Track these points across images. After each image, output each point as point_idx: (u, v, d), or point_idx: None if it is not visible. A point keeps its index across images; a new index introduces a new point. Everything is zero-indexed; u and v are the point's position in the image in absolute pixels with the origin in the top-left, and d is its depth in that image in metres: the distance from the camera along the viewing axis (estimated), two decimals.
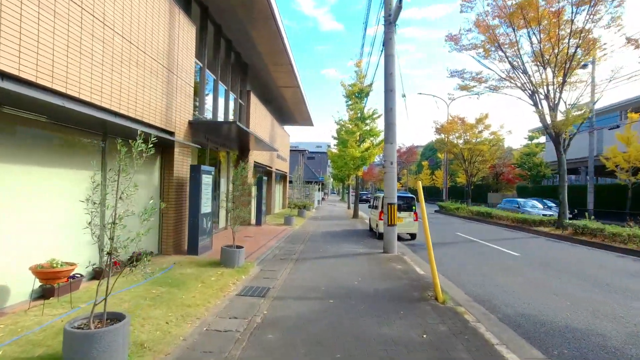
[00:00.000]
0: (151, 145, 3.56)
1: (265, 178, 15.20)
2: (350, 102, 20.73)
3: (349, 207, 30.82)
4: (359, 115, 20.16)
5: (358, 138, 20.77)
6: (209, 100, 11.37)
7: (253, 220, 14.95)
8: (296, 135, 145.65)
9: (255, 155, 15.79)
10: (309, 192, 31.22)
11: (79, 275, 5.11)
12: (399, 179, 65.52)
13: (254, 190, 15.02)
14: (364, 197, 41.38)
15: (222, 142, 11.95)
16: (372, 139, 20.41)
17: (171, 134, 7.84)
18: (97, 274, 5.64)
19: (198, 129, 9.44)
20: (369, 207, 15.73)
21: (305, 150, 46.36)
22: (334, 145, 22.01)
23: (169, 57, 7.58)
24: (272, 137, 19.24)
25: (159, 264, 6.82)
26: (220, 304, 5.02)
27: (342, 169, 24.11)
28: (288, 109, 22.74)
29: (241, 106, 14.43)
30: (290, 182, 35.62)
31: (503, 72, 15.93)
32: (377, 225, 13.25)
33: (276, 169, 21.15)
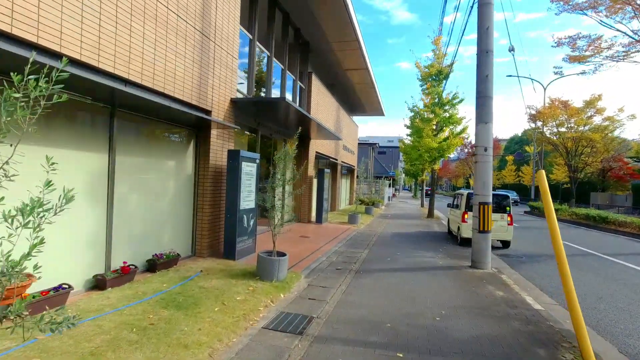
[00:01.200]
0: None
1: (327, 171, 13.61)
2: (426, 86, 18.17)
3: (422, 205, 27.99)
4: (437, 100, 17.52)
5: (435, 127, 18.15)
6: (262, 79, 10.04)
7: (313, 218, 13.46)
8: (366, 129, 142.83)
9: (318, 145, 14.26)
10: (378, 188, 29.04)
11: (66, 287, 3.94)
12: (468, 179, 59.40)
13: (315, 183, 13.50)
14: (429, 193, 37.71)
15: (276, 127, 10.57)
16: (451, 127, 17.62)
17: (206, 112, 6.54)
18: (100, 283, 4.48)
19: (243, 110, 8.10)
20: (448, 206, 13.24)
21: (375, 144, 43.96)
22: (407, 135, 19.61)
23: (203, 18, 6.25)
24: (338, 126, 17.56)
25: (184, 271, 5.54)
26: (234, 344, 3.45)
27: (415, 163, 21.57)
28: (355, 95, 20.85)
29: (301, 90, 12.96)
30: (358, 177, 33.76)
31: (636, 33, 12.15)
32: (458, 229, 10.83)
33: (342, 162, 19.47)
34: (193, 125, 6.58)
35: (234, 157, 6.54)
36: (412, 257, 8.20)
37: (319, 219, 13.05)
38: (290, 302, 4.75)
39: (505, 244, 10.47)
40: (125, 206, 5.12)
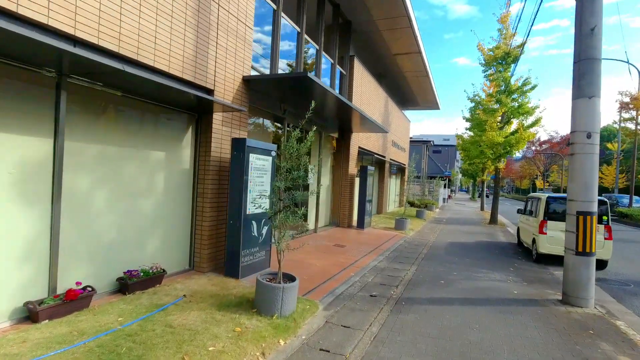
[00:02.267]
0: None
1: (371, 169, 11.89)
2: (489, 72, 15.65)
3: (482, 209, 24.99)
4: (503, 87, 14.96)
5: (500, 119, 15.56)
6: (287, 59, 8.63)
7: (355, 222, 11.81)
8: (420, 127, 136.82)
9: (361, 139, 12.57)
10: (432, 189, 26.51)
11: None
12: (546, 177, 53.52)
13: (357, 183, 11.85)
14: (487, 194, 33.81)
15: (310, 116, 9.10)
16: (521, 118, 14.93)
17: (207, 91, 5.23)
18: (31, 314, 3.28)
19: (263, 93, 6.72)
20: (519, 212, 10.89)
21: (429, 142, 40.94)
22: (466, 130, 17.14)
23: None
24: (386, 120, 15.70)
25: (163, 294, 4.23)
26: None
27: (474, 161, 19.02)
28: (406, 86, 18.76)
29: (342, 76, 11.37)
30: (409, 176, 31.40)
31: None
32: (534, 242, 8.61)
33: (391, 159, 17.54)
34: (192, 108, 5.31)
35: (238, 148, 5.15)
36: (475, 280, 6.26)
37: (360, 224, 11.37)
38: (291, 355, 3.22)
39: (602, 264, 8.03)
40: (83, 207, 3.92)
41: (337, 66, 10.81)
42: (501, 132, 14.85)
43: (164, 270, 4.61)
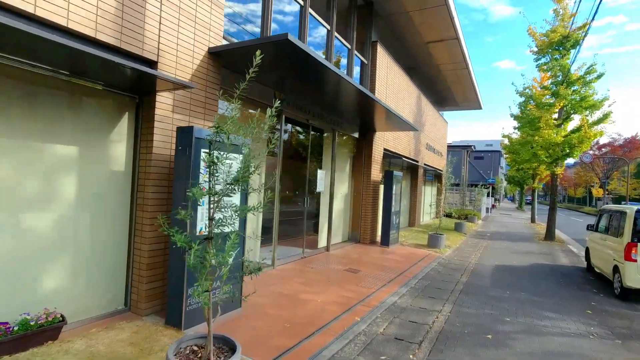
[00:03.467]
0: None
1: (398, 174, 10.02)
2: (543, 61, 13.29)
3: (533, 221, 21.99)
4: (560, 77, 12.56)
5: (557, 114, 13.11)
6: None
7: (379, 237, 9.96)
8: (458, 133, 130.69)
9: (387, 140, 10.76)
10: (473, 197, 23.85)
11: None
12: (605, 184, 47.96)
13: (381, 190, 10.04)
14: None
15: (317, 111, 7.48)
16: (585, 113, 12.40)
17: (147, 63, 3.77)
18: None
19: (241, 71, 5.20)
20: (589, 228, 8.58)
21: (470, 146, 37.82)
22: (514, 129, 14.71)
23: None
24: (418, 119, 13.76)
25: (52, 358, 2.76)
26: None
27: (524, 166, 16.52)
28: (443, 81, 16.65)
29: (362, 65, 9.69)
30: (456, 185, 28.90)
31: None
32: (616, 270, 6.45)
33: (425, 165, 15.47)
34: (131, 89, 3.87)
35: (184, 140, 3.61)
36: (539, 334, 4.29)
37: (385, 240, 9.51)
38: None
39: None
40: None
41: (356, 53, 9.13)
42: (559, 130, 12.42)
43: (62, 319, 3.13)
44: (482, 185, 21.08)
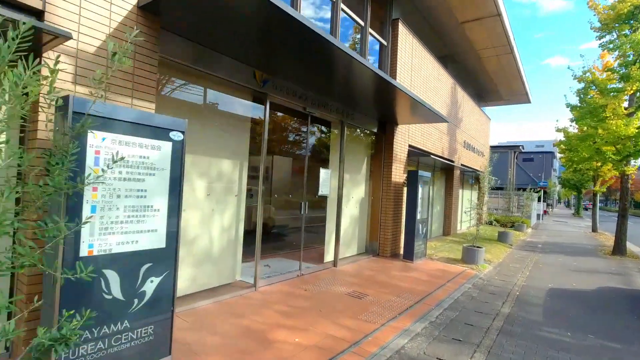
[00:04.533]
0: None
1: (425, 175, 8.41)
2: (608, 38, 11.07)
3: (594, 230, 19.07)
4: (631, 56, 10.31)
5: (628, 102, 10.83)
6: None
7: (402, 249, 8.40)
8: (502, 133, 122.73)
9: (414, 135, 9.21)
10: (522, 202, 21.24)
11: None
12: None
13: (404, 194, 8.50)
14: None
15: (319, 96, 6.17)
16: None
17: (29, 12, 2.68)
18: None
19: (203, 42, 4.03)
20: None
21: (518, 147, 34.52)
22: (571, 121, 12.45)
23: None
24: (453, 113, 12.03)
25: None
26: None
27: (583, 165, 14.15)
28: (483, 70, 14.67)
29: (382, 47, 8.26)
30: (500, 188, 26.36)
31: None
32: None
33: (462, 165, 13.59)
34: None
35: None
36: None
37: (408, 253, 7.94)
38: None
39: None
40: None
41: (371, 31, 7.72)
42: (631, 119, 10.15)
43: None
44: (531, 189, 18.58)
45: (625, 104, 10.74)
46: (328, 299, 5.01)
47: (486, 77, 15.23)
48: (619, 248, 11.08)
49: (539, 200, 26.28)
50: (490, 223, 19.07)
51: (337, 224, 6.90)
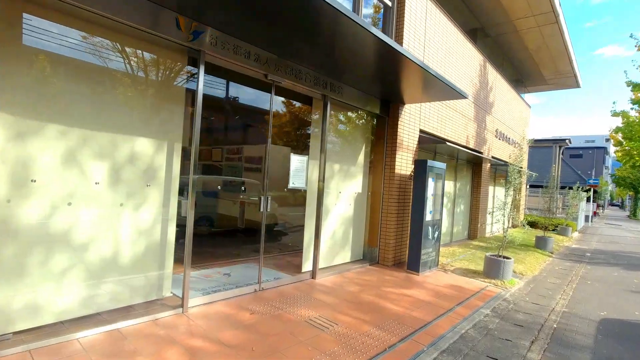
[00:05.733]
0: None
1: (439, 166, 6.79)
2: None
3: None
4: None
5: None
6: None
7: (407, 256, 6.83)
8: (549, 124, 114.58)
9: (427, 118, 7.60)
10: (567, 202, 18.65)
11: None
12: None
13: (412, 188, 6.93)
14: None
15: (289, 60, 4.78)
16: None
17: None
18: None
19: None
20: None
21: (565, 140, 31.09)
22: (633, 103, 10.18)
23: None
24: (484, 96, 10.22)
25: None
26: None
27: None
28: (522, 47, 12.57)
29: (386, 9, 6.71)
30: (540, 186, 23.68)
31: None
32: None
33: (493, 157, 11.66)
34: None
35: None
36: None
37: (413, 263, 6.37)
38: None
39: None
40: None
41: None
42: None
43: None
44: (579, 188, 16.07)
45: None
46: (276, 329, 3.65)
47: (525, 54, 13.10)
48: None
49: (588, 200, 23.32)
50: (532, 225, 16.84)
51: (318, 225, 5.50)
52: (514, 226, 16.20)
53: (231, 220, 7.89)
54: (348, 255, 6.55)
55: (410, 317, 4.30)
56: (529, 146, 20.17)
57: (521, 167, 7.12)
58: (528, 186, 23.49)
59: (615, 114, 9.77)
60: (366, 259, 6.88)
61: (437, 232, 6.75)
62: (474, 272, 6.78)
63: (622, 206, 64.99)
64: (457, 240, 10.37)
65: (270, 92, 4.77)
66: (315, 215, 5.50)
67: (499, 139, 12.21)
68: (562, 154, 34.51)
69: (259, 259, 4.80)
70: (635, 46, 9.21)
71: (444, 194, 6.89)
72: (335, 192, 6.10)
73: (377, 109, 6.64)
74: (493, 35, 11.53)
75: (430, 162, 6.36)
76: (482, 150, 10.70)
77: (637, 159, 13.22)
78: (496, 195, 15.08)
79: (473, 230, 11.06)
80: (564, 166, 35.53)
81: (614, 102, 10.26)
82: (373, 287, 5.39)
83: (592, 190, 28.20)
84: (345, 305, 4.52)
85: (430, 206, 6.68)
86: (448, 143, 7.30)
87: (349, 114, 6.51)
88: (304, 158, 5.22)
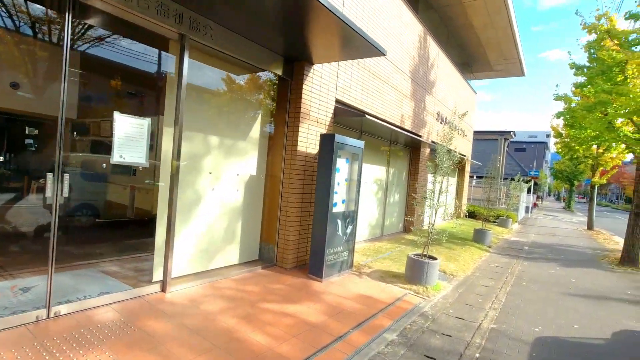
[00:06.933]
0: None
1: (354, 144, 5.45)
2: None
3: (590, 227, 16.43)
4: None
5: None
6: None
7: (308, 256, 5.42)
8: (494, 119, 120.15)
9: (346, 85, 6.19)
10: (509, 194, 18.48)
11: None
12: None
13: (323, 175, 5.45)
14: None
15: None
16: None
17: None
18: None
19: None
20: None
21: (510, 132, 31.63)
22: (575, 87, 9.48)
23: None
24: (424, 72, 9.04)
25: None
26: None
27: (584, 149, 11.44)
28: (467, 24, 11.62)
29: None
30: (480, 177, 23.71)
31: None
32: None
33: (433, 142, 10.63)
34: None
35: None
36: None
37: (315, 267, 4.96)
38: None
39: None
40: None
41: None
42: None
43: None
44: (521, 179, 15.73)
45: None
46: None
47: (471, 34, 12.18)
48: (629, 257, 8.31)
49: (528, 191, 23.61)
50: (472, 216, 16.35)
51: (170, 217, 3.90)
52: (457, 217, 15.60)
53: (119, 209, 6.10)
54: (235, 255, 5.05)
55: (272, 355, 2.88)
56: (477, 138, 19.72)
57: (455, 151, 5.93)
58: (476, 177, 23.34)
59: (558, 98, 9.10)
60: (264, 260, 5.41)
61: (350, 227, 5.41)
62: (395, 275, 5.55)
63: (558, 198, 69.37)
64: (390, 233, 9.25)
65: (66, 12, 3.04)
66: (168, 203, 3.91)
67: (441, 122, 11.21)
68: (508, 147, 35.34)
69: (49, 269, 3.12)
70: (580, 25, 8.37)
71: (360, 179, 5.55)
72: (213, 174, 4.54)
73: (279, 69, 5.11)
74: (436, 7, 10.39)
75: (340, 138, 4.96)
76: (420, 134, 9.58)
77: (577, 148, 12.87)
78: (449, 187, 14.28)
79: (409, 222, 9.99)
80: (509, 159, 36.45)
81: (557, 85, 9.47)
82: (248, 302, 3.92)
83: (532, 181, 28.85)
84: (182, 339, 3.01)
85: (343, 194, 5.33)
86: (370, 117, 5.94)
87: (235, 71, 4.92)
88: (143, 122, 3.58)
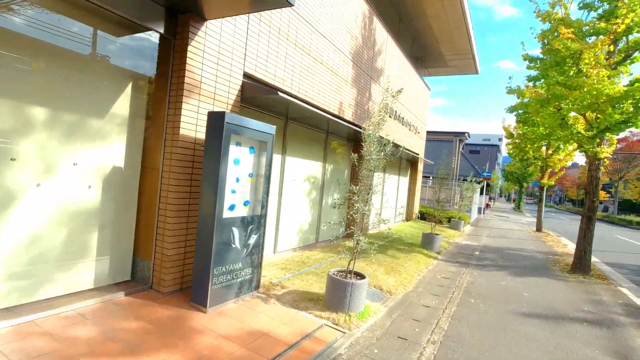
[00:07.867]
0: None
1: (253, 128, 4.23)
2: None
3: (539, 229, 16.33)
4: None
5: (611, 49, 7.35)
6: None
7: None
8: (450, 123, 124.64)
9: (260, 57, 4.91)
10: (462, 194, 18.11)
11: None
12: (606, 188, 42.92)
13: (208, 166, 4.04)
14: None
15: None
16: None
17: None
18: None
19: None
20: None
21: (464, 134, 31.94)
22: (528, 80, 8.83)
23: None
24: (370, 57, 7.98)
25: None
26: None
27: (536, 146, 11.03)
28: (419, 13, 10.78)
29: None
30: (435, 177, 23.58)
31: None
32: None
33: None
34: None
35: None
36: None
37: (198, 292, 3.64)
38: None
39: None
40: None
41: None
42: (614, 72, 6.69)
43: None
44: (473, 180, 15.28)
45: (608, 48, 7.21)
46: None
47: (424, 23, 11.36)
48: (581, 263, 7.71)
49: (481, 192, 23.61)
50: (423, 217, 15.70)
51: None
52: (407, 219, 14.85)
53: None
54: (87, 278, 3.61)
55: None
56: (433, 139, 19.15)
57: (388, 139, 4.86)
58: (432, 177, 22.97)
59: (510, 91, 8.45)
60: (137, 280, 4.01)
61: (255, 236, 4.14)
62: (313, 298, 4.35)
63: (509, 199, 72.42)
64: (327, 240, 8.10)
65: None
66: None
67: (391, 117, 10.26)
68: (463, 148, 35.82)
69: None
70: (535, 11, 7.68)
71: (270, 175, 4.29)
72: (39, 163, 3.10)
73: (159, 25, 3.74)
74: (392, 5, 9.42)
75: (235, 118, 3.67)
76: (364, 126, 8.50)
77: (527, 149, 12.51)
78: (400, 187, 13.43)
79: (349, 225, 8.87)
80: (464, 160, 36.95)
81: (510, 77, 8.79)
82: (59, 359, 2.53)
83: (485, 182, 29.13)
84: None
85: (246, 194, 4.05)
86: (285, 95, 4.72)
87: (99, 26, 3.48)
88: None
